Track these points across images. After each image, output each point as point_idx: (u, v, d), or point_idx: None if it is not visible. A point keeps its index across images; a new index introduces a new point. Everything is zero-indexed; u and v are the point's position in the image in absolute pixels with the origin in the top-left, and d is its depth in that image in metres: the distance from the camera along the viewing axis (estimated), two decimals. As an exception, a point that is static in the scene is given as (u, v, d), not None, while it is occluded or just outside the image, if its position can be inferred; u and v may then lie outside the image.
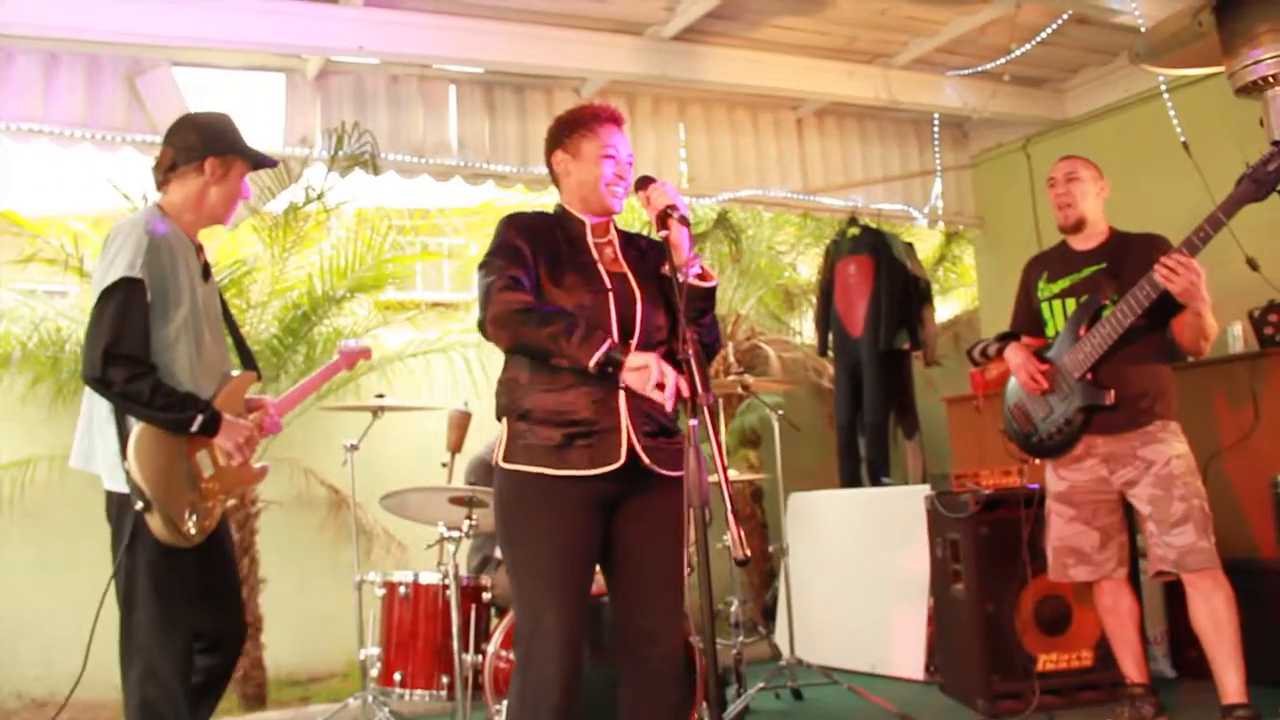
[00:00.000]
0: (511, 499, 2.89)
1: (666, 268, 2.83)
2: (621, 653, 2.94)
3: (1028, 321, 4.29)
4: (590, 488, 2.83)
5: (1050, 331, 4.16)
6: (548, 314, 2.78)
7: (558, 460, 2.82)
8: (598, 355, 2.69)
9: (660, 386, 2.65)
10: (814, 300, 7.32)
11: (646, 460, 2.82)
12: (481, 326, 2.90)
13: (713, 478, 2.62)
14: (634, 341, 2.87)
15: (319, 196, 5.44)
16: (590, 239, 3.01)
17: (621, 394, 2.83)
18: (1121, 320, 3.83)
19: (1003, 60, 5.86)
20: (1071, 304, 4.07)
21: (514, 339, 2.82)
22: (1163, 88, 5.60)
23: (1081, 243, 4.14)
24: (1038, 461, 4.27)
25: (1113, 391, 3.90)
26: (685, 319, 2.62)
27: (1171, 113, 5.41)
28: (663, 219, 2.82)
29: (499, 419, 2.98)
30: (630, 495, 2.88)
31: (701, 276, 2.93)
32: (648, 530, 2.84)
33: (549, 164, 3.12)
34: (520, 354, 2.87)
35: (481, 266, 2.92)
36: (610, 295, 2.90)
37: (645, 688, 2.89)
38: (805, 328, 8.61)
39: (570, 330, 2.72)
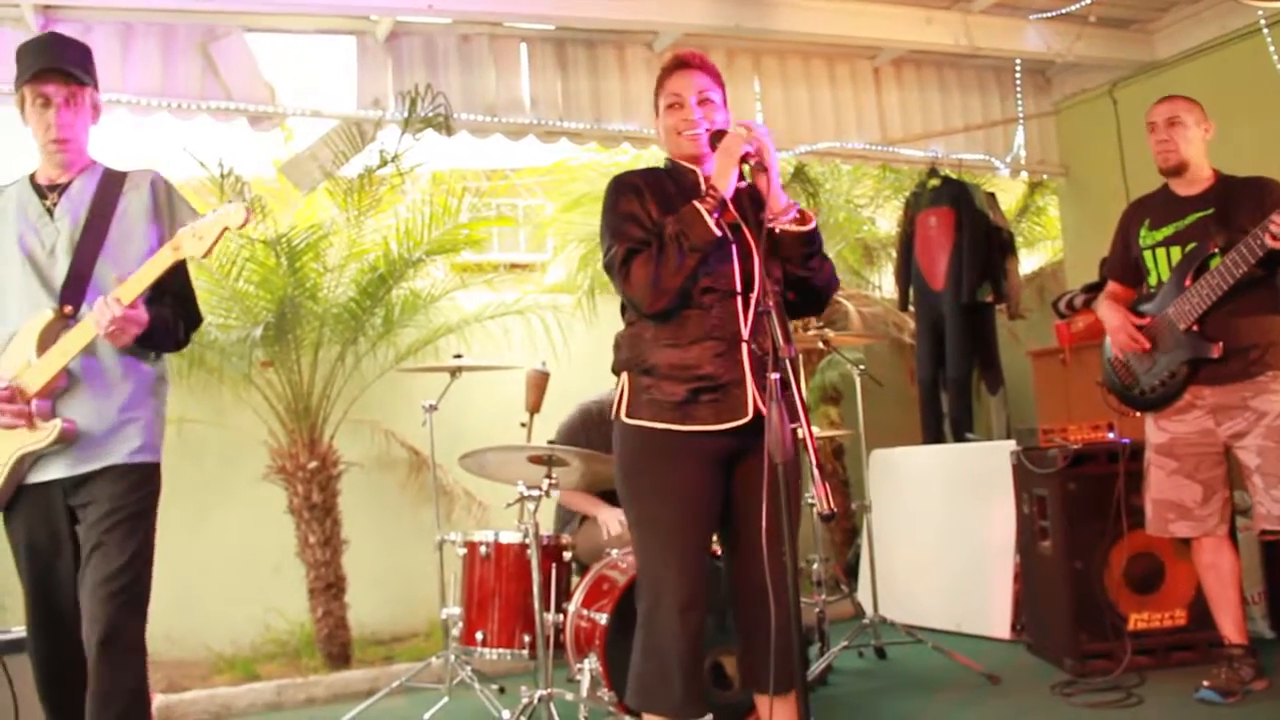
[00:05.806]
0: (634, 453, 2.90)
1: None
2: (738, 609, 2.93)
3: (1125, 270, 4.14)
4: (713, 443, 2.83)
5: (1152, 281, 4.01)
6: (647, 245, 2.81)
7: (682, 416, 2.82)
8: (707, 221, 2.74)
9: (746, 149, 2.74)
10: (894, 254, 7.20)
11: (767, 414, 2.78)
12: (634, 308, 2.89)
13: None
14: (754, 295, 2.83)
15: (393, 159, 5.44)
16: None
17: (744, 347, 2.82)
18: (1232, 272, 3.69)
19: (1088, 1, 5.65)
20: (1176, 252, 3.92)
21: (663, 295, 2.80)
22: (1261, 22, 5.37)
23: (1185, 188, 3.97)
24: (1138, 414, 4.13)
25: (1220, 344, 3.76)
26: (765, 269, 2.58)
27: (1271, 49, 5.19)
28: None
29: (616, 372, 2.98)
30: (749, 450, 2.83)
31: (800, 219, 2.87)
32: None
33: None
34: (676, 298, 2.81)
35: (606, 247, 2.93)
36: (733, 246, 2.87)
37: (762, 644, 2.84)
38: (885, 282, 8.48)
39: (672, 238, 2.76)
